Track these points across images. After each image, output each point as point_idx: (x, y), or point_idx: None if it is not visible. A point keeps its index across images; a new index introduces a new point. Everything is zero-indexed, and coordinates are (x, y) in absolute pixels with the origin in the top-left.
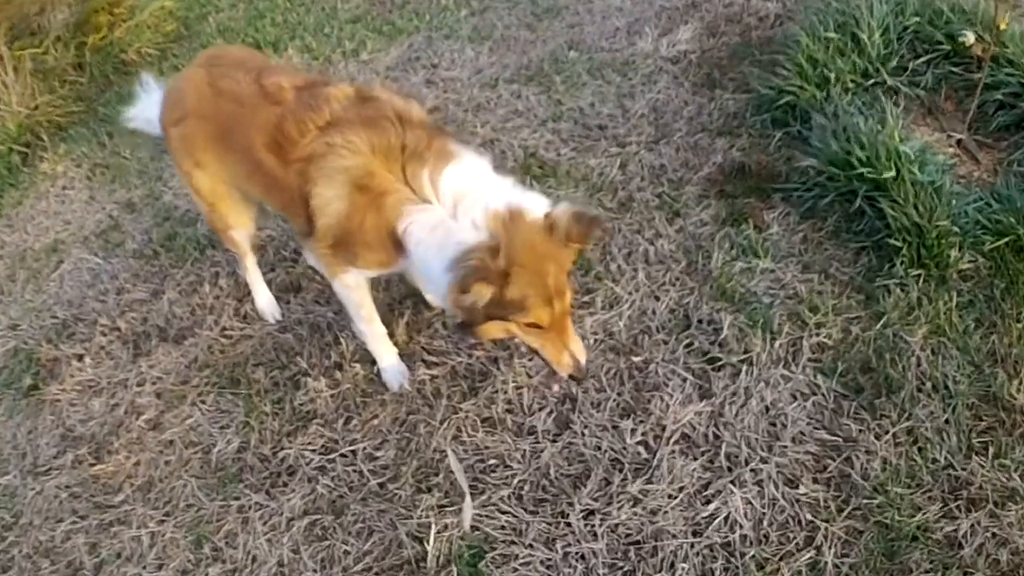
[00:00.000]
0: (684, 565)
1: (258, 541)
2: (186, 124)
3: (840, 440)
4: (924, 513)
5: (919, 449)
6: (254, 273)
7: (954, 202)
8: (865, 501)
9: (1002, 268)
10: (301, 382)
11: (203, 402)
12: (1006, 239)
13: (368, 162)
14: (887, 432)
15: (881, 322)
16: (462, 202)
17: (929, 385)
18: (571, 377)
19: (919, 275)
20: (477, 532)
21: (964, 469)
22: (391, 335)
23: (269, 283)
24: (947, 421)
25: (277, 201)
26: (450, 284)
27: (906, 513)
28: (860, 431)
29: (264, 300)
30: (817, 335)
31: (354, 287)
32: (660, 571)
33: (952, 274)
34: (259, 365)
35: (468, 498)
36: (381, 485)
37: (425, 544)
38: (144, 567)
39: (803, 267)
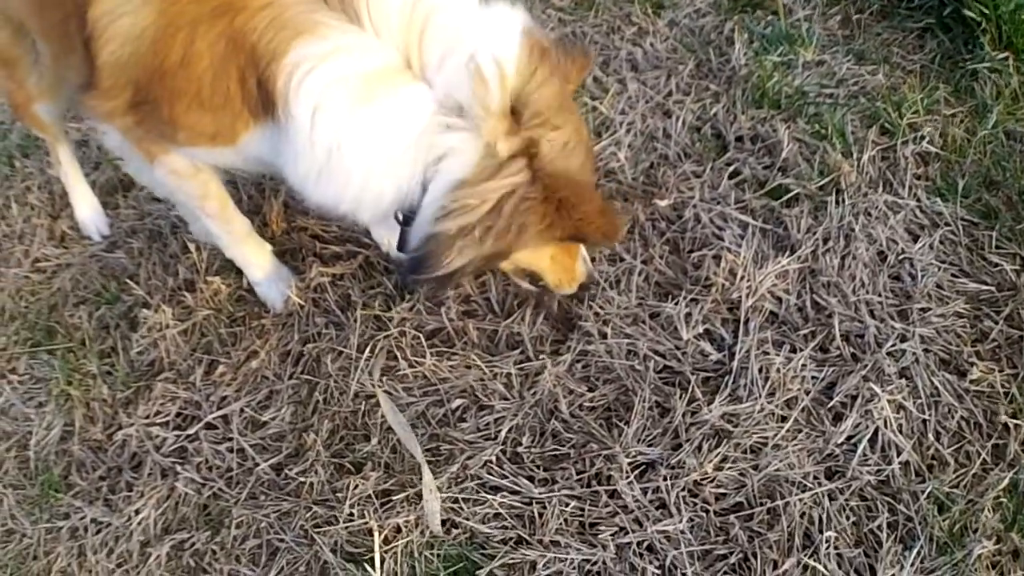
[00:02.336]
0: (829, 534)
1: None
2: None
3: (994, 289)
4: None
5: None
6: (72, 171)
7: None
8: None
9: None
10: (138, 318)
11: (13, 372)
12: None
13: None
14: None
15: (988, 120)
16: (432, 31)
17: None
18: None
19: (1007, 58)
20: (456, 532)
21: None
22: (262, 227)
23: (92, 185)
24: None
25: (45, 21)
26: (439, 236)
27: None
28: (1016, 271)
29: (86, 209)
30: (915, 142)
31: (188, 174)
32: (790, 552)
33: None
34: (81, 303)
35: (427, 474)
36: (277, 469)
37: (368, 567)
38: None
39: (857, 57)
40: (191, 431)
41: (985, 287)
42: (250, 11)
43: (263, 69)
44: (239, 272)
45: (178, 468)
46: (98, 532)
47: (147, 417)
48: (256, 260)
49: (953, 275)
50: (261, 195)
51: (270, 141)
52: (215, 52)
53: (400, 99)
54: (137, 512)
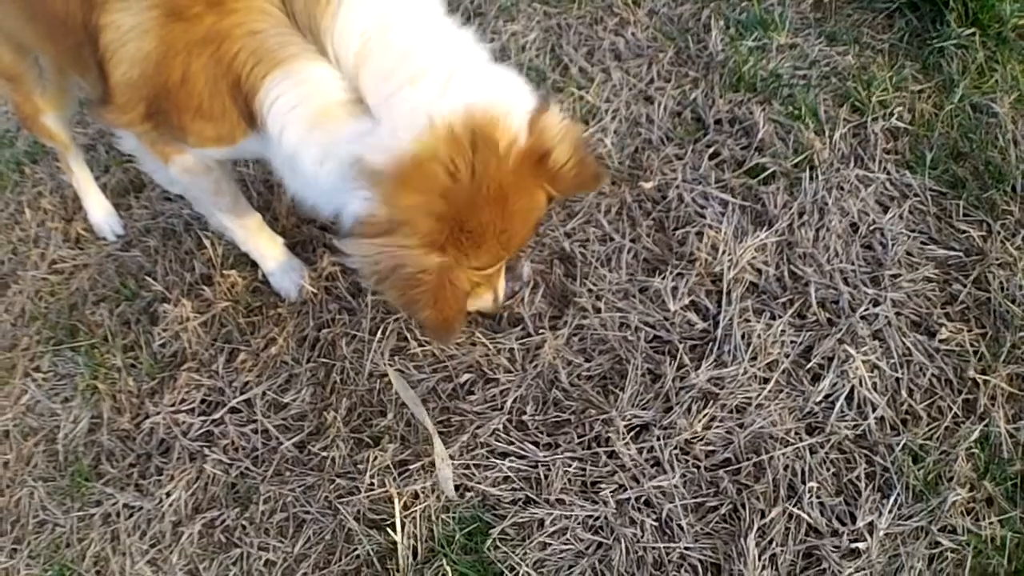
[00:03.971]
0: (811, 484)
1: (137, 566)
2: None
3: (962, 255)
4: None
5: None
6: (83, 176)
7: None
8: (1022, 336)
9: None
10: (158, 312)
11: (37, 370)
12: None
13: None
14: (1017, 234)
15: (955, 94)
16: (383, 76)
17: None
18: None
19: (973, 34)
20: (469, 496)
21: None
22: (273, 221)
23: (103, 188)
24: None
25: (60, 47)
26: (353, 230)
27: None
28: (983, 237)
29: (99, 212)
30: (884, 118)
31: (201, 171)
32: (775, 502)
33: (1009, 32)
34: (101, 301)
35: (438, 444)
36: (300, 447)
37: (390, 531)
38: None
39: (829, 39)
40: (216, 416)
41: (953, 253)
42: (233, 39)
43: (246, 94)
44: (254, 265)
45: (205, 451)
46: (130, 516)
47: (173, 405)
48: (269, 252)
49: (922, 242)
50: (270, 191)
51: (261, 144)
52: (208, 73)
53: (336, 132)
54: (168, 495)
